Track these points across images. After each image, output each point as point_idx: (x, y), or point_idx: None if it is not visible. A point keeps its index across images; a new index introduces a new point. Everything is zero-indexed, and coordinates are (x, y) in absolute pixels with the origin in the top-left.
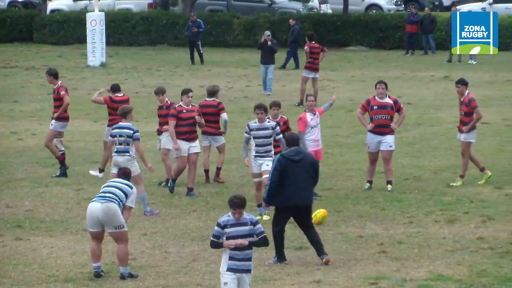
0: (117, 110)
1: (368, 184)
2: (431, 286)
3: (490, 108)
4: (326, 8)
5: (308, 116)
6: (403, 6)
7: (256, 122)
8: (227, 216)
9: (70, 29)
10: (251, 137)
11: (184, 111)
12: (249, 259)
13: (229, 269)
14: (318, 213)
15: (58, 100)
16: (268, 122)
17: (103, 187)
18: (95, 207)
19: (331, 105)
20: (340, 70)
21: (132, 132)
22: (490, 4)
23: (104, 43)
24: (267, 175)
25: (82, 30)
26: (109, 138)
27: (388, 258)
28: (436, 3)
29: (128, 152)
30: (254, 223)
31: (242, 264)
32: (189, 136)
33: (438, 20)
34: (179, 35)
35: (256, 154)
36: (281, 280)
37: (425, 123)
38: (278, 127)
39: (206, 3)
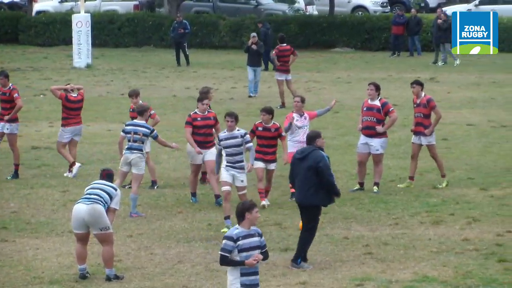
0: (69, 109)
1: (358, 185)
2: (416, 287)
3: (475, 110)
4: (312, 10)
5: (295, 116)
6: (389, 7)
7: (225, 132)
8: (236, 229)
9: (56, 30)
10: (222, 148)
11: (199, 118)
12: (258, 273)
13: (243, 286)
14: None
15: (10, 102)
16: (238, 130)
17: (87, 189)
18: (80, 208)
19: (328, 110)
20: (326, 72)
21: (149, 131)
22: (476, 5)
23: (90, 45)
24: (243, 191)
25: (68, 31)
26: (69, 138)
27: (373, 259)
28: (422, 4)
29: (142, 150)
30: (260, 235)
31: (254, 279)
32: (204, 145)
33: (424, 21)
34: (165, 36)
35: (227, 164)
36: (267, 282)
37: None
38: (247, 135)
39: (192, 4)
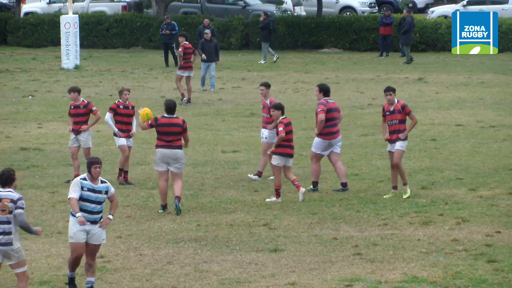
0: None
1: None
2: None
3: (464, 110)
4: (300, 10)
5: None
6: (377, 8)
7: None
8: None
9: (44, 31)
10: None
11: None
12: None
13: None
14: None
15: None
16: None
17: None
18: None
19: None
20: (314, 72)
21: None
22: (464, 6)
23: (78, 46)
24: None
25: (56, 32)
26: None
27: (363, 260)
28: (410, 5)
29: None
30: None
31: None
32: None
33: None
34: (153, 37)
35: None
36: (256, 283)
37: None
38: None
39: (180, 5)
